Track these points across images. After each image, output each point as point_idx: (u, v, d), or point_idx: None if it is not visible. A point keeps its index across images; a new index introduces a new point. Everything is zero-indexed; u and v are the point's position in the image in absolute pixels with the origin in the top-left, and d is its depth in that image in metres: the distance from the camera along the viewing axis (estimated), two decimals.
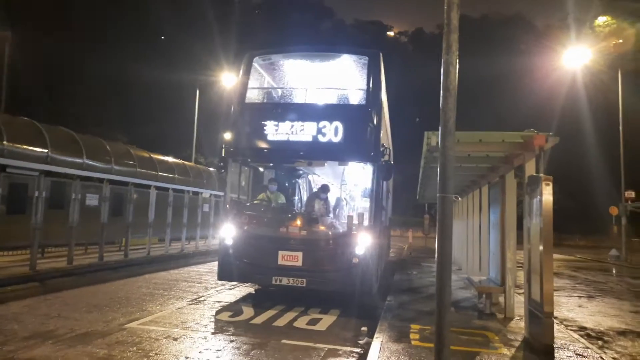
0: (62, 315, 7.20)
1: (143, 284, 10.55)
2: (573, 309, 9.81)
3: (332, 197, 11.56)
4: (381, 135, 8.75)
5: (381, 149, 8.50)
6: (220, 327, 7.02)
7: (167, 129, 39.11)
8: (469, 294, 10.32)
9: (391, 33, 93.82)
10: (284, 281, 8.25)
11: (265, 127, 8.67)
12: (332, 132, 8.40)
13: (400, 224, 40.45)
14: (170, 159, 24.43)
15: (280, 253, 8.31)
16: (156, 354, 5.56)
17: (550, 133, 6.27)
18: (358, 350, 6.19)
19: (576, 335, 7.16)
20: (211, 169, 27.87)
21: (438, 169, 4.06)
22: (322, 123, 8.43)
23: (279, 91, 10.36)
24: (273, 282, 8.33)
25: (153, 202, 15.05)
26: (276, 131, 8.63)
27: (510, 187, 8.11)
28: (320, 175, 12.00)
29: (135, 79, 40.04)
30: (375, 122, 8.58)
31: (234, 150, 8.96)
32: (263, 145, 8.76)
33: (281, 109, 9.35)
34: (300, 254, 8.27)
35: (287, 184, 10.92)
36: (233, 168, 9.29)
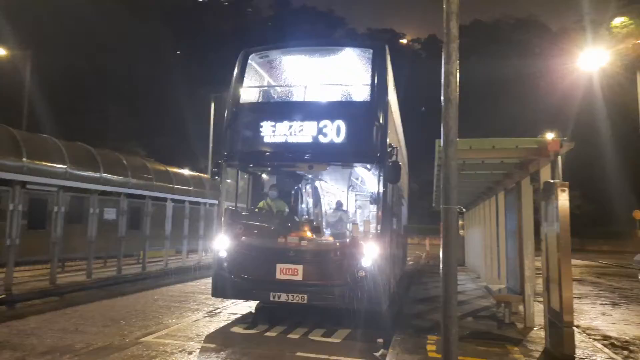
0: (80, 329, 7.28)
1: (160, 297, 10.62)
2: (596, 317, 9.55)
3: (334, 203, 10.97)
4: (388, 134, 8.10)
5: (388, 149, 7.81)
6: (234, 340, 7.00)
7: (184, 142, 39.65)
8: (488, 303, 10.13)
9: (404, 40, 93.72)
10: (283, 297, 7.51)
11: (261, 129, 8.02)
12: (334, 131, 7.72)
13: (417, 231, 40.07)
14: (186, 171, 24.70)
15: (279, 266, 7.59)
16: None
17: (565, 138, 6.15)
18: None
19: (599, 345, 6.95)
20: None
21: (441, 180, 4.00)
22: (323, 122, 7.77)
23: (276, 90, 9.64)
24: (271, 298, 7.59)
25: (170, 214, 15.22)
26: (273, 132, 7.97)
27: (526, 193, 7.96)
28: (327, 181, 11.29)
29: (152, 93, 40.80)
30: (381, 120, 7.88)
31: (229, 155, 8.29)
32: (259, 148, 8.13)
33: (278, 108, 8.74)
34: (300, 267, 7.55)
35: (292, 191, 10.14)
36: (229, 174, 8.68)
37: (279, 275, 7.57)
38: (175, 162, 25.05)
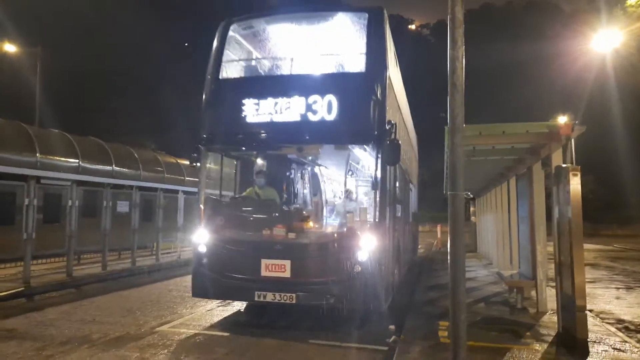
0: (97, 320, 7.44)
1: (174, 287, 10.78)
2: (610, 301, 9.49)
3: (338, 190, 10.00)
4: (388, 110, 7.22)
5: (387, 127, 6.92)
6: (247, 329, 7.09)
7: (194, 134, 39.79)
8: (500, 289, 10.11)
9: (412, 26, 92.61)
10: (269, 297, 6.74)
11: (243, 107, 7.20)
12: (325, 108, 6.86)
13: (429, 219, 39.98)
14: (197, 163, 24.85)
15: (264, 262, 6.79)
16: (185, 357, 5.68)
17: (576, 121, 6.07)
18: (385, 348, 6.15)
19: (613, 329, 6.92)
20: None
21: (448, 166, 3.98)
22: (313, 98, 6.92)
23: (260, 63, 8.69)
24: (256, 298, 6.81)
25: (182, 206, 15.38)
26: (257, 111, 7.15)
27: (537, 178, 7.89)
28: (327, 166, 10.13)
29: (161, 86, 40.99)
30: (378, 94, 7.01)
31: (208, 138, 7.50)
32: (241, 129, 7.29)
33: (262, 83, 7.84)
34: (287, 263, 6.73)
35: (284, 177, 9.17)
36: (211, 159, 7.98)
37: (264, 272, 6.80)
38: (185, 155, 25.21)
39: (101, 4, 40.63)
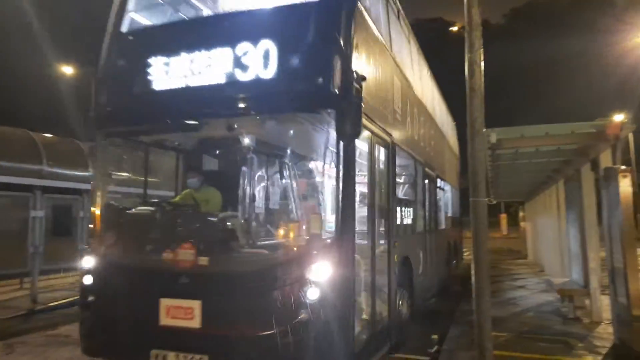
0: None
1: None
2: None
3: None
4: (357, 59, 4.69)
5: (355, 85, 4.40)
6: None
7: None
8: (552, 297, 9.65)
9: (454, 28, 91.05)
10: (170, 358, 4.38)
11: (148, 70, 4.98)
12: (261, 60, 4.54)
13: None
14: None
15: (164, 303, 4.45)
16: None
17: (625, 120, 5.75)
18: (427, 359, 6.02)
19: None
20: None
21: (469, 172, 3.87)
22: (242, 47, 4.61)
23: (174, 7, 6.19)
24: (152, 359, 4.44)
25: None
26: (166, 73, 4.92)
27: (587, 180, 7.51)
28: (316, 159, 5.76)
29: None
30: (341, 35, 4.52)
31: (101, 116, 5.20)
32: (144, 100, 5.06)
33: (172, 33, 5.43)
34: (197, 305, 4.36)
35: (252, 174, 5.53)
36: (115, 147, 5.61)
37: (164, 320, 4.45)
38: None
39: None
